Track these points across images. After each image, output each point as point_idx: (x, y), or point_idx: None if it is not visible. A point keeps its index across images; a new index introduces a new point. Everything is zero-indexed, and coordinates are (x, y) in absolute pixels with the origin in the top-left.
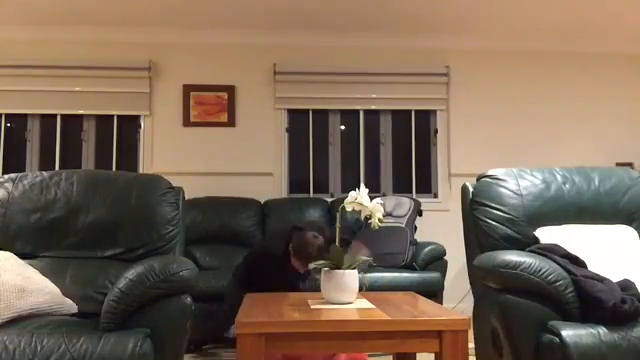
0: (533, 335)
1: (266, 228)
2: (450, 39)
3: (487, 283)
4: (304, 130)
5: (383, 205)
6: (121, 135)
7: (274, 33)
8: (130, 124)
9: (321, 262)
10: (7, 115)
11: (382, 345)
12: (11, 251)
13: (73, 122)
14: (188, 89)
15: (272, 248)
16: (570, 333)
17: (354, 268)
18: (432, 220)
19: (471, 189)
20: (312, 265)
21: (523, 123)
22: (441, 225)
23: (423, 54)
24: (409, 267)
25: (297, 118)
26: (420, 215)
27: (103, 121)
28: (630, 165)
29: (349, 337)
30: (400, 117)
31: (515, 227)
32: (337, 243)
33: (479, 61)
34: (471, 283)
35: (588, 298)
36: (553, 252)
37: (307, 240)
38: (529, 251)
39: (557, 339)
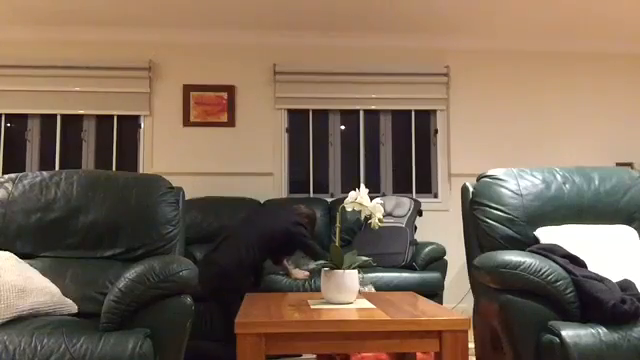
0: (533, 335)
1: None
2: (450, 39)
3: (487, 283)
4: (304, 130)
5: (383, 205)
6: (121, 135)
7: (274, 33)
8: (130, 124)
9: (321, 262)
10: (7, 115)
11: (382, 345)
12: (11, 251)
13: (73, 122)
14: (188, 89)
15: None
16: (570, 333)
17: (354, 268)
18: (432, 220)
19: (471, 189)
20: (312, 265)
21: (523, 123)
22: (441, 225)
23: (423, 54)
24: (409, 267)
25: (297, 118)
26: (420, 215)
27: (103, 121)
28: (630, 165)
29: (349, 337)
30: (400, 117)
31: (515, 227)
32: (337, 244)
33: (479, 61)
34: (471, 283)
35: (588, 298)
36: (553, 252)
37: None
38: (529, 251)
39: (557, 339)
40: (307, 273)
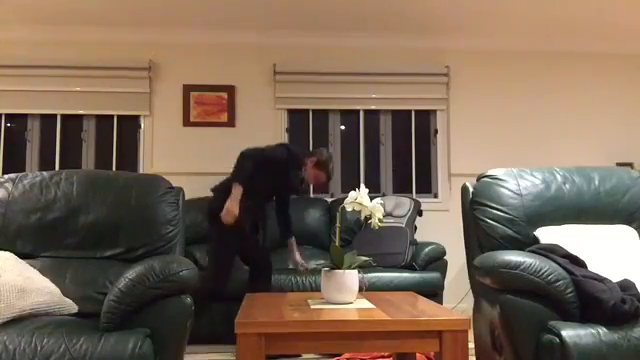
0: (533, 335)
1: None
2: (450, 39)
3: (487, 283)
4: (304, 130)
5: (383, 205)
6: (121, 135)
7: (274, 33)
8: (130, 124)
9: (321, 262)
10: (7, 115)
11: (382, 345)
12: (11, 251)
13: (73, 122)
14: (188, 89)
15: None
16: (570, 333)
17: (354, 268)
18: (432, 220)
19: (471, 189)
20: (313, 264)
21: (523, 123)
22: (441, 225)
23: (423, 54)
24: (409, 267)
25: (297, 118)
26: (420, 215)
27: (103, 121)
28: (630, 165)
29: (349, 337)
30: (400, 117)
31: (515, 227)
32: (337, 244)
33: (479, 61)
34: (471, 283)
35: (588, 298)
36: (553, 252)
37: (330, 158)
38: (529, 251)
39: (557, 339)
40: (307, 267)
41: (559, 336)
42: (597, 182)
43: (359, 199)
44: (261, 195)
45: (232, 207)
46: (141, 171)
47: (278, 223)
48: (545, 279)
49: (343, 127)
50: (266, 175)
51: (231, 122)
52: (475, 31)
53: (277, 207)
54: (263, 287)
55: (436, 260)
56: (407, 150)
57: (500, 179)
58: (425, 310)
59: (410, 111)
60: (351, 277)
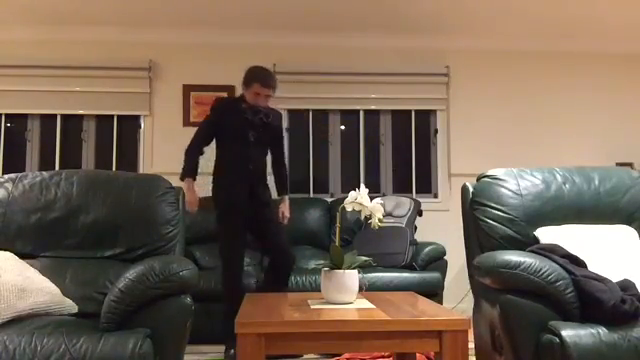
0: (533, 335)
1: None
2: (450, 39)
3: (487, 283)
4: (304, 130)
5: (383, 205)
6: (121, 135)
7: (274, 33)
8: (130, 124)
9: (321, 262)
10: (7, 115)
11: (382, 345)
12: (11, 251)
13: (73, 122)
14: (188, 89)
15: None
16: (570, 333)
17: (354, 268)
18: (432, 220)
19: (471, 189)
20: (313, 264)
21: (523, 123)
22: (441, 225)
23: (423, 54)
24: (409, 267)
25: (297, 118)
26: (420, 215)
27: (103, 121)
28: (630, 165)
29: (349, 337)
30: (400, 117)
31: (515, 227)
32: (337, 244)
33: (479, 61)
34: (471, 283)
35: (588, 298)
36: (553, 252)
37: (256, 66)
38: (529, 251)
39: (557, 339)
40: (287, 215)
41: (559, 336)
42: (597, 182)
43: (359, 199)
44: (254, 159)
45: (187, 202)
46: (141, 171)
47: (274, 180)
48: (545, 279)
49: (343, 127)
50: (228, 143)
51: None
52: (475, 31)
53: (272, 164)
54: (278, 287)
55: (436, 260)
56: (407, 150)
57: (500, 179)
58: (425, 310)
59: (410, 111)
60: (351, 277)
